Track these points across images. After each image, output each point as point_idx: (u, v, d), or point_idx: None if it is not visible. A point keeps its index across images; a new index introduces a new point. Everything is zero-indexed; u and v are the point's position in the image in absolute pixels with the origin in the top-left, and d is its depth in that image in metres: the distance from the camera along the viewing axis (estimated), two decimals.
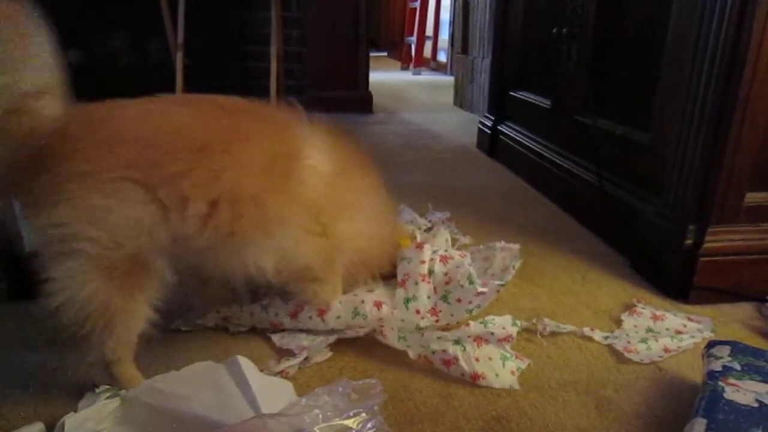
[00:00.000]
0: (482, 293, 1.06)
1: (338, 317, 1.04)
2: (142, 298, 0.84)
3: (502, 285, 1.13)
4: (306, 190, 0.94)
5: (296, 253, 0.96)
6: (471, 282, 1.06)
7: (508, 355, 0.98)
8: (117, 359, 0.86)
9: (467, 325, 1.01)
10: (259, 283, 1.01)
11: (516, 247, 1.31)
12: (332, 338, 1.04)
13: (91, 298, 0.79)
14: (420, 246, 1.11)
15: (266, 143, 0.90)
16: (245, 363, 0.82)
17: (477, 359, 0.96)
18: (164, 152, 0.80)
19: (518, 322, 1.04)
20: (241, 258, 0.91)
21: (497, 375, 0.95)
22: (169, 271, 0.86)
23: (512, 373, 0.95)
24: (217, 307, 1.09)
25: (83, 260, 0.79)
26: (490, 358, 0.97)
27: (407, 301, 1.06)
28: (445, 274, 1.09)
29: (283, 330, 1.06)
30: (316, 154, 0.96)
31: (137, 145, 0.80)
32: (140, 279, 0.83)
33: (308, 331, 1.06)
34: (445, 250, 1.13)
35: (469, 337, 0.99)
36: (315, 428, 0.64)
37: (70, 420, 0.77)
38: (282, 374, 0.95)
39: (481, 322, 1.01)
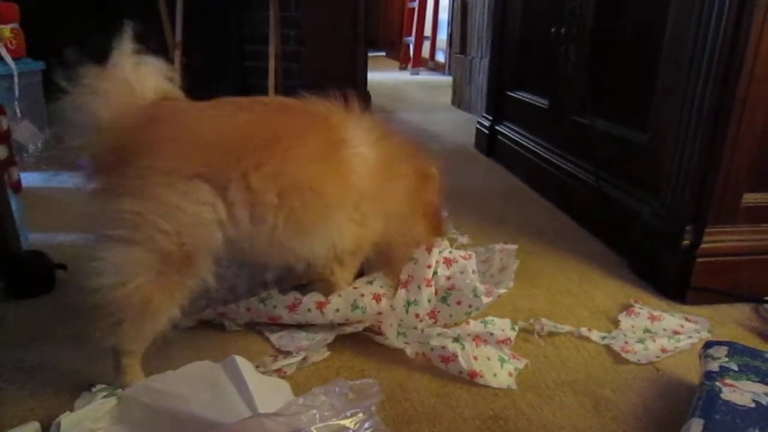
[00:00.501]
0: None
1: (337, 310, 1.04)
2: (179, 297, 0.87)
3: (504, 292, 1.13)
4: (354, 178, 0.98)
5: (339, 240, 1.00)
6: (476, 295, 1.06)
7: (506, 358, 0.98)
8: (130, 351, 0.87)
9: (467, 323, 1.01)
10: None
11: (513, 248, 1.31)
12: (331, 337, 1.03)
13: (137, 289, 0.82)
14: (429, 248, 1.11)
15: (317, 134, 0.95)
16: (242, 362, 0.81)
17: (475, 358, 0.96)
18: (232, 153, 0.86)
19: (516, 327, 1.03)
20: (301, 246, 0.96)
21: (495, 375, 0.95)
22: (211, 274, 0.89)
23: (509, 374, 0.95)
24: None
25: (144, 251, 0.82)
26: (488, 358, 0.97)
27: (408, 304, 1.06)
28: (448, 278, 1.08)
29: (281, 328, 1.06)
30: (363, 143, 0.99)
31: (209, 147, 0.85)
32: (185, 279, 0.86)
33: (307, 329, 1.06)
34: (450, 251, 1.13)
35: (468, 335, 0.99)
36: (312, 428, 0.63)
37: (66, 419, 0.76)
38: (279, 373, 0.95)
39: (482, 322, 1.01)
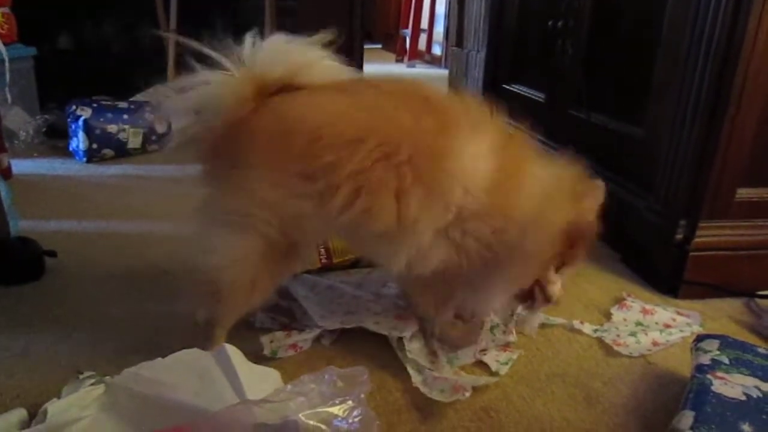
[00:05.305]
0: None
1: None
2: (279, 280, 0.94)
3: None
4: (458, 191, 0.85)
5: (426, 256, 0.88)
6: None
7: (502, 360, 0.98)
8: (223, 324, 0.93)
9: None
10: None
11: None
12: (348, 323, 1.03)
13: (245, 271, 0.87)
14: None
15: (420, 138, 0.84)
16: (232, 351, 0.81)
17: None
18: (323, 145, 0.83)
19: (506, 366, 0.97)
20: (376, 249, 0.94)
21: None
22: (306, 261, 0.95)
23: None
24: None
25: (252, 235, 0.85)
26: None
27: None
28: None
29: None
30: (478, 155, 0.86)
31: (303, 139, 0.84)
32: (286, 265, 0.92)
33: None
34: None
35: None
36: (300, 415, 0.63)
37: (53, 406, 0.75)
38: (294, 349, 0.98)
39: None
